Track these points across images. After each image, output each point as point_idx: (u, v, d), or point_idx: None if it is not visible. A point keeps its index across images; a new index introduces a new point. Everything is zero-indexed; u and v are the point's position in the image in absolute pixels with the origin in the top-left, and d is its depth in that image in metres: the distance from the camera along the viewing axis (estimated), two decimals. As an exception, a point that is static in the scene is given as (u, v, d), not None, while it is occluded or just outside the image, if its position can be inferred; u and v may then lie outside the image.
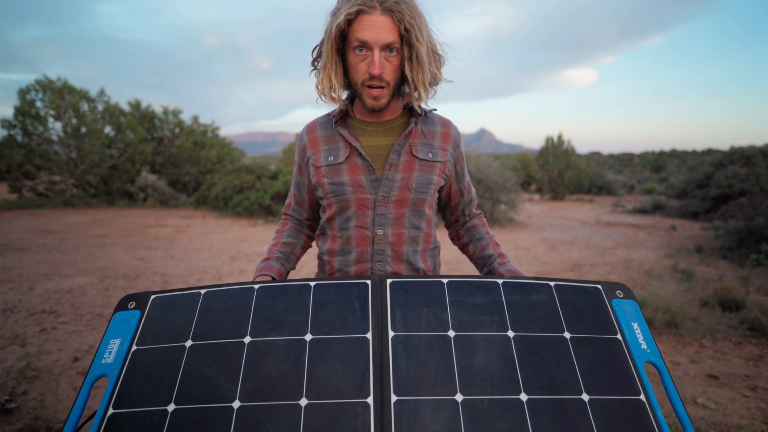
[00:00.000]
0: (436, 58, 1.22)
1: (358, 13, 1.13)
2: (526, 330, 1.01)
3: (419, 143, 1.28)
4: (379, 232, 1.27)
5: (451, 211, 1.46)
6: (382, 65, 1.15)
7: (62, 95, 13.15)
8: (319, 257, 1.39)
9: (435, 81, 1.22)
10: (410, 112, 1.31)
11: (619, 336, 1.02)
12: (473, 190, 1.47)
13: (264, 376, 0.94)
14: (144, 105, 14.93)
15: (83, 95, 13.51)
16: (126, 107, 14.69)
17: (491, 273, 1.36)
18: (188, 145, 14.75)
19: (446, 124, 1.34)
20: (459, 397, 0.90)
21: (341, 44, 1.19)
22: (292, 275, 5.68)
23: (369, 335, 0.99)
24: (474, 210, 1.48)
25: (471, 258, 1.47)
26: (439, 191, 1.37)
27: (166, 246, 7.50)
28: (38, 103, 13.06)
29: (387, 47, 1.15)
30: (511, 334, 1.00)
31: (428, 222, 1.32)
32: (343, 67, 1.22)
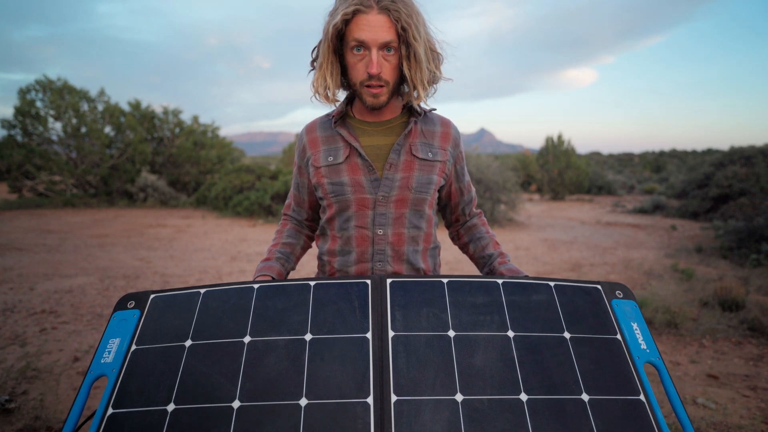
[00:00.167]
0: (435, 57, 1.22)
1: (355, 12, 1.13)
2: (526, 330, 1.01)
3: (419, 143, 1.28)
4: (380, 232, 1.26)
5: (451, 211, 1.46)
6: (381, 64, 1.15)
7: (62, 95, 13.16)
8: (319, 257, 1.39)
9: (434, 79, 1.22)
10: (410, 111, 1.31)
11: (618, 336, 1.02)
12: (473, 189, 1.47)
13: (264, 375, 0.94)
14: (144, 105, 14.94)
15: (83, 95, 13.51)
16: (126, 107, 14.70)
17: (492, 272, 1.36)
18: (188, 145, 14.75)
19: (446, 123, 1.34)
20: (459, 397, 0.90)
21: (339, 44, 1.19)
22: (292, 275, 5.69)
23: (369, 335, 0.99)
24: (474, 209, 1.48)
25: (471, 257, 1.47)
26: (439, 191, 1.37)
27: (166, 246, 7.50)
28: (38, 103, 13.07)
29: (385, 46, 1.14)
30: (511, 334, 1.00)
31: (428, 222, 1.32)
32: (340, 67, 1.22)
